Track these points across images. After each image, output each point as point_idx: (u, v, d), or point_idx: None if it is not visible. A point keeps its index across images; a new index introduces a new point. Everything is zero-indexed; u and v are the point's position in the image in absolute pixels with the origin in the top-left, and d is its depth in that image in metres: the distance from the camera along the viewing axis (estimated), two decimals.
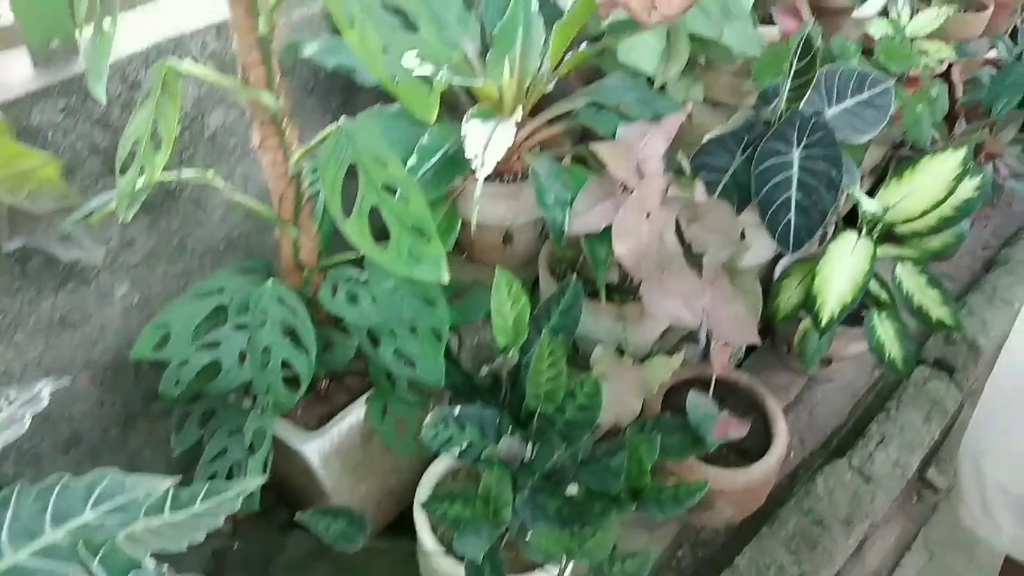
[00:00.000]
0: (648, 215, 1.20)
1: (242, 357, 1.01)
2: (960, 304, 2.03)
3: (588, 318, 1.32)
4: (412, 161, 1.15)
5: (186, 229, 1.25)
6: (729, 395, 1.52)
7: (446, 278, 0.97)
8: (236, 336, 1.01)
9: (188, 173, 0.96)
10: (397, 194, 0.93)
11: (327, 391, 1.27)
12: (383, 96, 1.33)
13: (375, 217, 0.93)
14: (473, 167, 1.04)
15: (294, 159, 0.96)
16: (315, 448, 1.15)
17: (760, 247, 1.46)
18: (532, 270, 1.48)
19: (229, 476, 1.14)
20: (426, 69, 1.12)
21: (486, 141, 1.07)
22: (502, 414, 1.09)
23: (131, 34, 1.10)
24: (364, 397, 1.20)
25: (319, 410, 1.24)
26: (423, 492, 1.16)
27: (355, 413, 1.20)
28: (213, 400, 1.13)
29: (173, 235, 1.24)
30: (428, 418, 1.01)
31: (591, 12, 1.19)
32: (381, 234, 0.93)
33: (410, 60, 1.14)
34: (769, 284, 1.85)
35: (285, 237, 1.05)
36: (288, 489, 1.31)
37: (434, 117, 0.87)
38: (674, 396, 1.48)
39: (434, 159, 1.16)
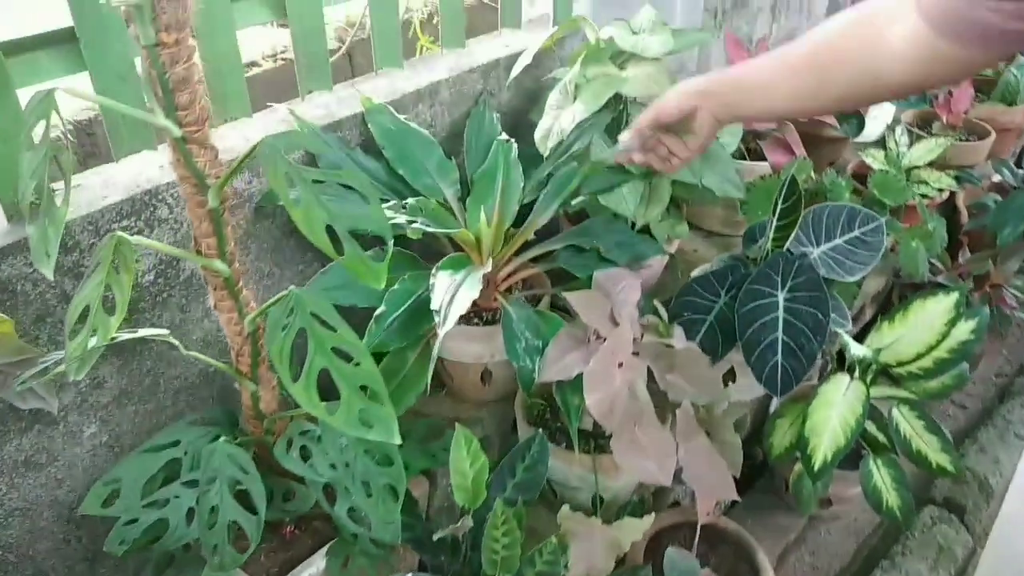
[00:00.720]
0: (620, 364, 1.17)
1: (190, 515, 0.99)
2: (971, 440, 1.95)
3: (561, 466, 1.28)
4: (381, 308, 1.14)
5: (159, 368, 1.25)
6: (718, 543, 1.46)
7: (397, 440, 0.95)
8: (186, 493, 0.99)
9: (145, 332, 0.96)
10: (347, 356, 0.92)
11: (292, 535, 1.24)
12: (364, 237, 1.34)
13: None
14: (436, 320, 1.03)
15: (249, 318, 0.96)
16: None
17: (751, 384, 1.42)
18: (512, 407, 1.45)
19: None
20: (401, 219, 1.14)
21: (451, 295, 1.07)
22: None
23: (108, 184, 1.13)
24: (326, 548, 1.17)
25: (283, 556, 1.20)
26: None
27: (316, 564, 1.16)
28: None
29: (145, 375, 1.24)
30: None
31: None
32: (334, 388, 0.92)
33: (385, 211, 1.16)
34: (764, 416, 1.80)
35: (244, 389, 1.05)
36: None
37: (383, 283, 0.87)
38: (661, 540, 1.42)
39: (404, 306, 1.16)
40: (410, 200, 1.20)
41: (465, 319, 1.37)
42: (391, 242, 0.86)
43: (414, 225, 1.14)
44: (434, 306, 1.05)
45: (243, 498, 1.01)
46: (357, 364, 0.93)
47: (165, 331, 0.97)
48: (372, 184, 1.30)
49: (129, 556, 1.05)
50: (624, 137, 1.16)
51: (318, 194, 0.81)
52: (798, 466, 1.56)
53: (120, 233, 0.84)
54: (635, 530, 1.11)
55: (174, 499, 0.99)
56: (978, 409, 2.15)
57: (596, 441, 1.30)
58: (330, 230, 0.80)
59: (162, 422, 1.29)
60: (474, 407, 1.45)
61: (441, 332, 1.02)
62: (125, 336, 0.95)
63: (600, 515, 1.25)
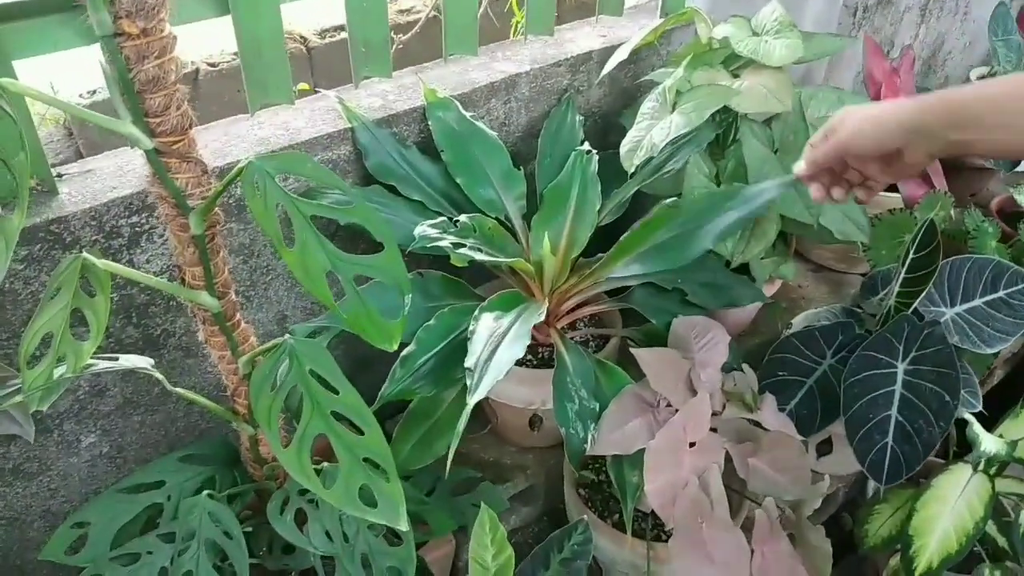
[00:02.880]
0: (692, 444, 0.97)
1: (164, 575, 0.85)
2: None
3: (610, 547, 1.09)
4: (410, 348, 0.97)
5: (171, 376, 1.12)
6: None
7: (404, 526, 0.78)
8: (162, 549, 0.85)
9: (126, 362, 0.81)
10: (350, 422, 0.75)
11: None
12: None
13: None
14: (468, 384, 0.85)
15: (244, 359, 0.80)
16: None
17: (848, 459, 1.19)
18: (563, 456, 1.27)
19: None
20: (445, 242, 0.96)
21: (492, 351, 0.88)
22: None
23: (123, 172, 0.99)
24: None
25: None
26: None
27: None
28: None
29: (153, 383, 1.11)
30: None
31: None
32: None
33: (425, 230, 0.98)
34: (861, 488, 1.56)
35: (242, 432, 0.90)
36: None
37: (396, 345, 0.69)
38: None
39: (439, 347, 0.98)
40: (463, 217, 1.02)
41: None
42: (408, 297, 0.68)
43: (461, 251, 0.96)
44: (468, 363, 0.86)
45: (221, 566, 0.87)
46: (361, 433, 0.76)
47: (148, 362, 0.82)
48: (427, 192, 1.13)
49: None
50: (798, 168, 0.90)
51: (318, 234, 0.63)
52: (895, 561, 1.32)
53: (86, 255, 0.69)
54: None
55: (147, 555, 0.85)
56: None
57: (655, 522, 1.10)
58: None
59: (172, 435, 1.17)
60: (519, 451, 1.27)
61: (472, 400, 0.83)
62: (103, 365, 0.81)
63: None
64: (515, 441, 1.27)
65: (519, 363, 1.17)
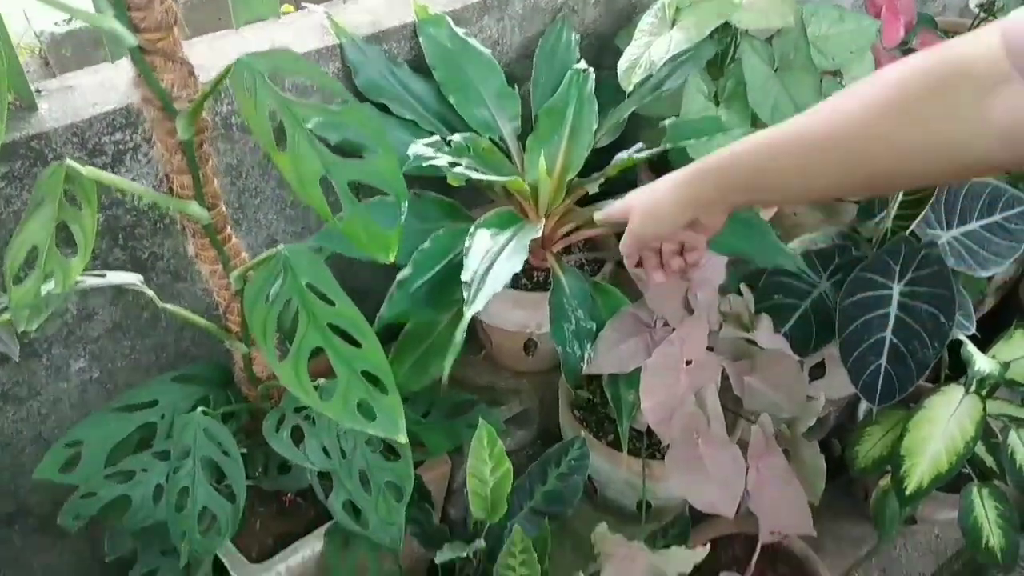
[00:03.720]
0: (688, 362, 0.96)
1: (159, 493, 0.85)
2: None
3: (606, 466, 1.10)
4: (407, 271, 0.95)
5: (160, 300, 1.10)
6: (779, 562, 1.27)
7: (403, 438, 0.78)
8: (156, 467, 0.84)
9: (114, 277, 0.79)
10: (347, 335, 0.74)
11: (292, 504, 1.10)
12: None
13: None
14: (464, 296, 0.84)
15: (236, 273, 0.78)
16: None
17: (843, 383, 1.20)
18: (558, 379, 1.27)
19: None
20: (441, 160, 0.94)
21: (488, 265, 0.87)
22: None
23: (104, 88, 0.96)
24: (326, 527, 1.02)
25: (280, 527, 1.07)
26: None
27: (312, 545, 1.02)
28: None
29: (143, 307, 1.09)
30: None
31: None
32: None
33: (420, 149, 0.95)
34: (852, 412, 1.57)
35: (235, 351, 0.88)
36: None
37: (393, 256, 0.67)
38: (714, 552, 1.24)
39: (435, 269, 0.97)
40: (456, 136, 0.99)
41: (512, 279, 1.17)
42: (404, 204, 0.66)
43: (457, 169, 0.93)
44: (465, 277, 0.85)
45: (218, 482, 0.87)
46: (359, 346, 0.75)
47: (137, 277, 0.80)
48: (419, 112, 1.10)
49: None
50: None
51: (311, 137, 0.61)
52: (885, 482, 1.34)
53: (70, 162, 0.66)
54: (684, 562, 0.93)
55: (141, 472, 0.85)
56: None
57: (651, 440, 1.10)
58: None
59: (164, 360, 1.16)
60: (514, 375, 1.27)
61: (468, 312, 0.82)
62: (92, 281, 0.79)
63: (644, 524, 1.07)
64: (510, 366, 1.27)
65: (515, 286, 1.17)
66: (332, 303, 0.73)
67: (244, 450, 0.94)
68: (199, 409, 0.84)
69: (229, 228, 0.77)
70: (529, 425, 1.29)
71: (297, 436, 0.88)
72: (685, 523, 1.06)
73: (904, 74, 0.58)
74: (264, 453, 1.01)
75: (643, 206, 0.81)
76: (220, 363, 0.99)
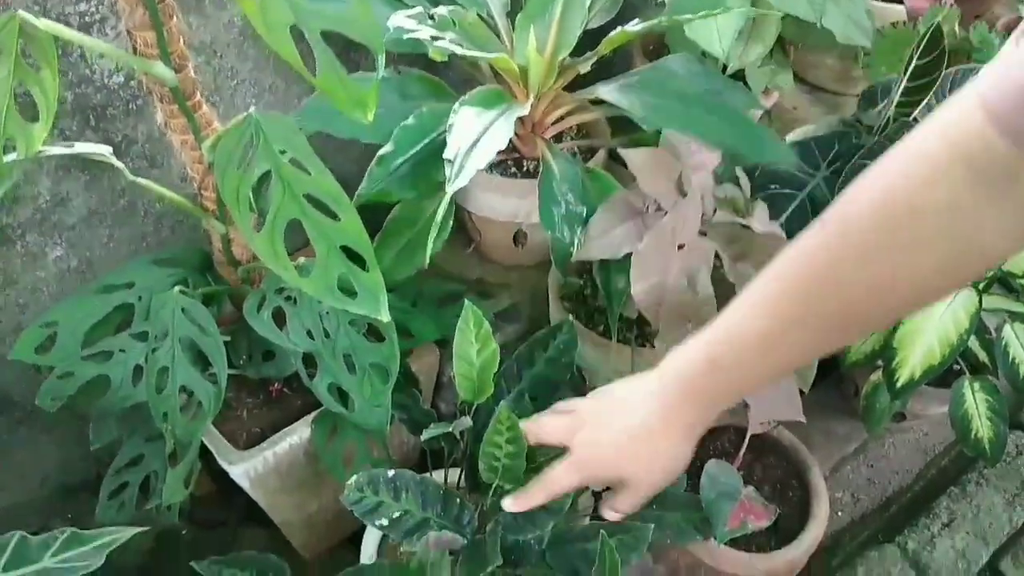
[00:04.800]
0: (681, 247, 0.94)
1: (138, 374, 0.83)
2: None
3: (595, 354, 1.08)
4: (388, 147, 0.91)
5: (137, 187, 1.06)
6: (767, 453, 1.27)
7: (385, 316, 0.76)
8: (135, 347, 0.83)
9: (82, 148, 0.76)
10: (325, 207, 0.72)
11: (279, 394, 1.09)
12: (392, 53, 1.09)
13: None
14: (447, 173, 0.81)
15: (207, 144, 0.74)
16: (243, 470, 0.98)
17: None
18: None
19: (144, 490, 0.99)
20: (423, 33, 0.90)
21: (474, 141, 0.83)
22: (459, 477, 0.89)
23: None
24: (313, 415, 1.02)
25: (267, 416, 1.06)
26: (368, 549, 0.98)
27: (299, 432, 1.01)
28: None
29: (119, 195, 1.06)
30: (352, 478, 0.81)
31: None
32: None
33: (401, 20, 0.91)
34: None
35: (212, 231, 0.85)
36: None
37: (371, 113, 0.64)
38: (703, 443, 1.24)
39: (417, 147, 0.93)
40: (441, 8, 0.94)
41: (501, 168, 1.14)
42: (382, 56, 0.62)
43: (440, 43, 0.89)
44: (448, 153, 0.81)
45: (205, 358, 0.85)
46: (337, 219, 0.72)
47: (106, 149, 0.77)
48: None
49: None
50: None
51: None
52: (876, 376, 1.34)
53: (22, 13, 0.62)
54: None
55: (119, 352, 0.83)
56: None
57: (641, 329, 1.09)
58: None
59: (143, 251, 1.13)
60: (503, 270, 1.25)
61: (450, 188, 0.79)
62: (57, 150, 0.75)
63: None
64: (499, 259, 1.25)
65: (504, 174, 1.13)
66: (308, 172, 0.70)
67: (227, 338, 0.93)
68: (176, 288, 0.81)
69: (199, 95, 0.73)
70: (518, 320, 1.27)
71: (279, 319, 0.86)
72: None
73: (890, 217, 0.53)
74: (247, 341, 0.99)
75: (649, 485, 0.76)
76: (200, 248, 0.97)
